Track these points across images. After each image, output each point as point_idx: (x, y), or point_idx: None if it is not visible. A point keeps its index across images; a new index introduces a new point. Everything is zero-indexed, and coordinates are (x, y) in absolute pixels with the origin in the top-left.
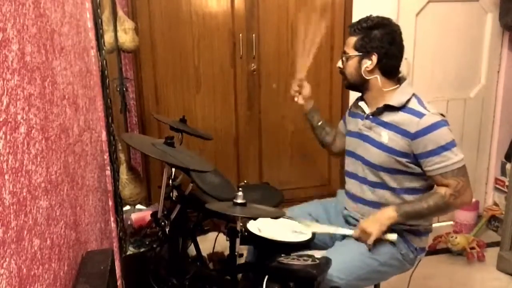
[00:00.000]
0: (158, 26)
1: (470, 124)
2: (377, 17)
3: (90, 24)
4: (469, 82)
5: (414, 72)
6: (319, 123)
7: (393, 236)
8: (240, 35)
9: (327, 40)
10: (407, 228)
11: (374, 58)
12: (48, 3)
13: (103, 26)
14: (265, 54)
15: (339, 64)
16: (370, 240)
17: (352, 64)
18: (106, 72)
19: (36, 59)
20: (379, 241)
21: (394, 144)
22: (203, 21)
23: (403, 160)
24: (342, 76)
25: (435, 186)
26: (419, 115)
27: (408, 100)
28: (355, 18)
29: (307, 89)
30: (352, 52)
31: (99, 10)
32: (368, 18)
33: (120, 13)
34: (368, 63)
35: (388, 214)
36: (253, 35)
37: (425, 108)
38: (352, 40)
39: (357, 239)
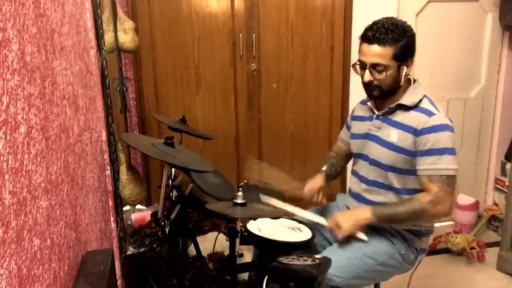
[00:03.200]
0: (158, 26)
1: (470, 124)
2: (394, 20)
3: (90, 24)
4: (469, 82)
5: (414, 72)
6: (332, 169)
7: (363, 237)
8: (240, 35)
9: (327, 41)
10: (408, 228)
11: (411, 62)
12: (48, 3)
13: (103, 26)
14: (265, 54)
15: (369, 77)
16: (340, 235)
17: (391, 74)
18: (106, 72)
19: (36, 59)
20: (350, 237)
21: (403, 143)
22: (203, 21)
23: (412, 159)
24: (370, 88)
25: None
26: (430, 113)
27: (420, 100)
28: (356, 18)
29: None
30: (391, 63)
31: (99, 10)
32: (392, 26)
33: (120, 13)
34: (406, 69)
35: (364, 215)
36: (253, 35)
37: (436, 109)
38: (389, 51)
39: (330, 230)
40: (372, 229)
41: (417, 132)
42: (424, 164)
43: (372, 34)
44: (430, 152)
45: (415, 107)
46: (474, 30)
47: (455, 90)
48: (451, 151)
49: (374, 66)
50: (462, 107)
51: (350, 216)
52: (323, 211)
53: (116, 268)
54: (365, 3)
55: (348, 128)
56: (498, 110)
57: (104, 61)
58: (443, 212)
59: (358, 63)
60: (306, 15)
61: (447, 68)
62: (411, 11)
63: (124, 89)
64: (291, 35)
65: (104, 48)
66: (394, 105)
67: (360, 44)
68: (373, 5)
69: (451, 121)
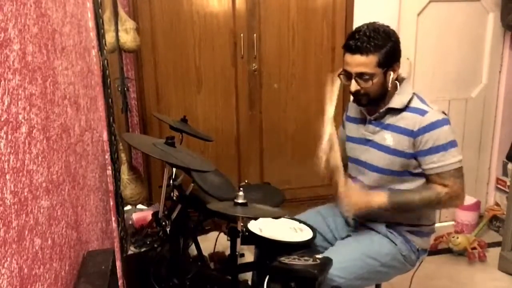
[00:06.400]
0: (159, 26)
1: (472, 124)
2: (376, 25)
3: (91, 24)
4: (470, 82)
5: (415, 72)
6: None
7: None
8: (242, 35)
9: (328, 41)
10: (409, 229)
11: (397, 67)
12: (49, 3)
13: (104, 26)
14: (266, 54)
15: (355, 87)
16: (348, 212)
17: (377, 82)
18: (107, 72)
19: (37, 59)
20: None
21: (399, 145)
22: (204, 21)
23: (411, 160)
24: (359, 97)
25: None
26: (422, 112)
27: (410, 100)
28: (357, 18)
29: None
30: (376, 70)
31: (100, 10)
32: (374, 32)
33: (122, 13)
34: (393, 74)
35: (379, 198)
36: (254, 35)
37: (427, 105)
38: (372, 59)
39: (340, 200)
40: (374, 230)
41: (414, 134)
42: (430, 163)
43: (354, 44)
44: (433, 150)
45: (406, 108)
46: (475, 30)
47: (457, 90)
48: (453, 144)
49: (359, 76)
50: (463, 107)
51: (365, 197)
52: (322, 214)
53: (117, 268)
54: (366, 3)
55: (344, 127)
56: (499, 110)
57: (105, 61)
58: (457, 204)
59: (343, 73)
60: (307, 15)
61: (448, 68)
62: (412, 11)
63: (125, 89)
64: (292, 35)
65: (105, 48)
66: (384, 109)
67: (344, 54)
68: (374, 5)
69: (445, 114)
